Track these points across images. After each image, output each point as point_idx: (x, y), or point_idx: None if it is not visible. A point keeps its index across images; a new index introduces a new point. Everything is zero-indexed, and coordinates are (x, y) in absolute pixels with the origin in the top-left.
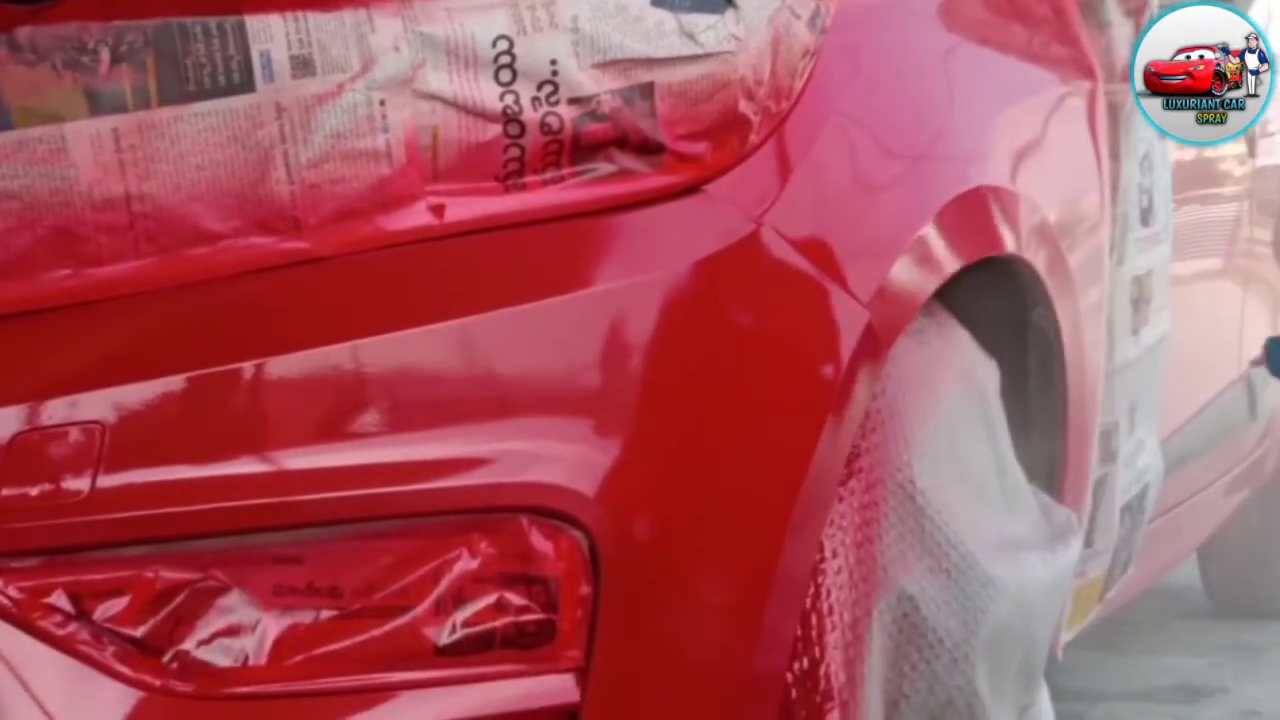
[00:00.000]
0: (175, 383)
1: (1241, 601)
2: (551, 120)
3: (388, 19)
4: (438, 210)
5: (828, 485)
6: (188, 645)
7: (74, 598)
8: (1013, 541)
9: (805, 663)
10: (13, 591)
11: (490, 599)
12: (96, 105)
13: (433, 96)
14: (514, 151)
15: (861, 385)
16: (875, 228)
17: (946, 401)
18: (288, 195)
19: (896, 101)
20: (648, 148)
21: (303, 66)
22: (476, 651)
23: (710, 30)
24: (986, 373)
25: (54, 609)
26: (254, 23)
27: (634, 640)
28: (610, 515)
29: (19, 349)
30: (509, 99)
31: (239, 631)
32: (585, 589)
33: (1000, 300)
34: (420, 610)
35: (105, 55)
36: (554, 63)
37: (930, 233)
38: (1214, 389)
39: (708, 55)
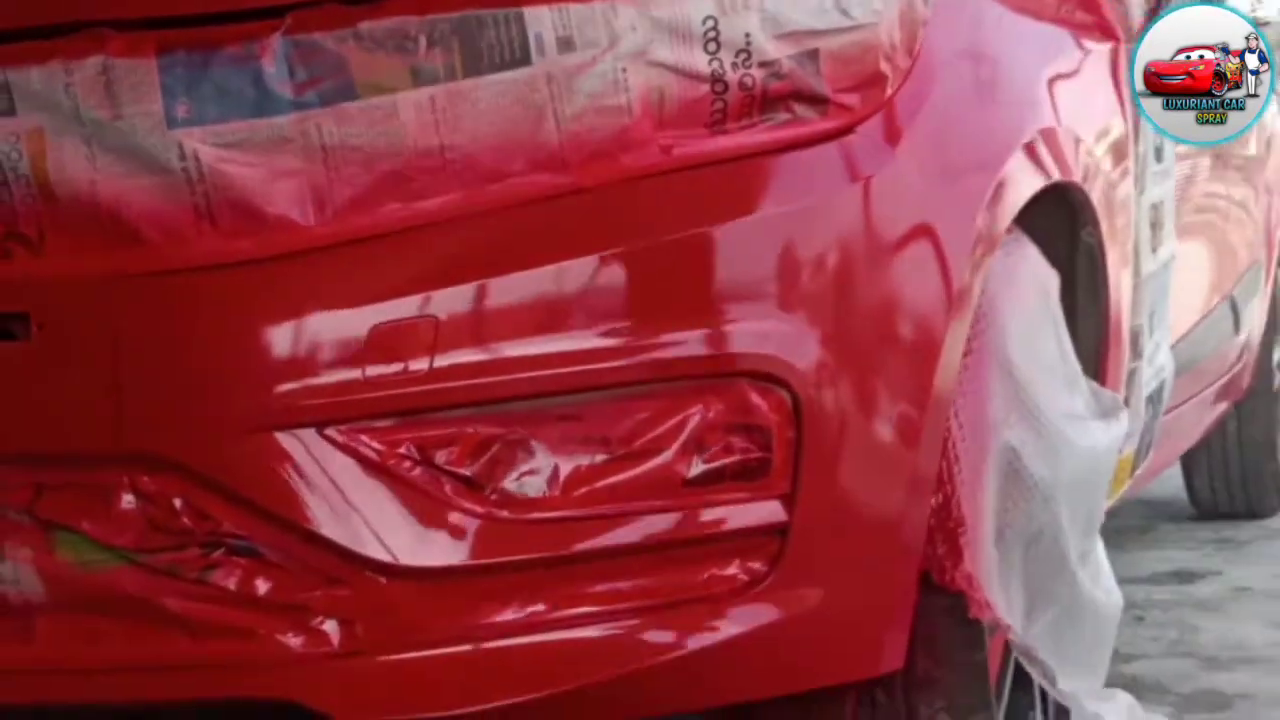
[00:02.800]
0: (485, 285)
1: (1223, 507)
2: (747, 80)
3: (626, 6)
4: (666, 150)
5: (954, 361)
6: (503, 482)
7: (420, 449)
8: (1077, 414)
9: (940, 498)
10: (376, 445)
11: (722, 443)
12: (418, 79)
13: (660, 64)
14: (719, 105)
15: (976, 285)
16: (978, 158)
17: (1025, 300)
18: (557, 142)
19: (979, 61)
20: (816, 99)
21: (566, 45)
22: (712, 483)
23: (859, 6)
24: (1050, 279)
25: (406, 457)
26: (530, 12)
27: (826, 474)
28: (807, 378)
29: (369, 265)
30: (715, 64)
31: (538, 472)
32: (791, 434)
33: (1055, 221)
34: (670, 453)
35: (423, 41)
36: (748, 35)
37: (1017, 161)
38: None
39: (857, 26)
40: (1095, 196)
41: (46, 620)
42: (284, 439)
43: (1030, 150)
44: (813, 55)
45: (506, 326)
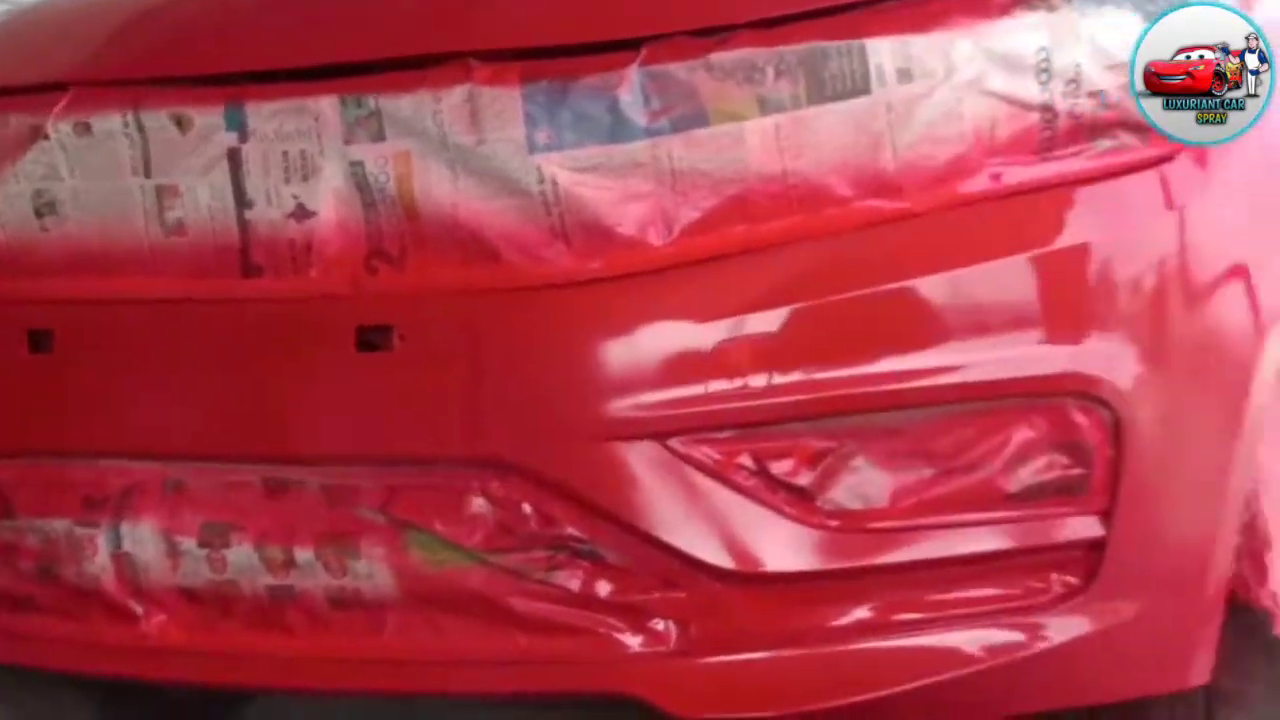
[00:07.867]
0: (822, 305)
1: None
2: (1076, 108)
3: (962, 38)
4: (996, 177)
5: (1265, 385)
6: (833, 494)
7: (756, 459)
8: None
9: (1247, 517)
10: (715, 455)
11: (1044, 459)
12: (764, 108)
13: (992, 93)
14: (1048, 132)
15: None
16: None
17: None
18: (893, 169)
19: None
20: (1140, 127)
21: (904, 75)
22: (1034, 498)
23: None
24: None
25: (743, 468)
26: (871, 44)
27: (1142, 492)
28: (1127, 398)
29: (712, 285)
30: (1046, 94)
31: (867, 484)
32: (1110, 452)
33: None
34: (994, 467)
35: (771, 72)
36: (1078, 65)
37: None
38: None
39: None
40: None
41: (396, 614)
42: (629, 448)
43: None
44: None
45: (840, 345)
